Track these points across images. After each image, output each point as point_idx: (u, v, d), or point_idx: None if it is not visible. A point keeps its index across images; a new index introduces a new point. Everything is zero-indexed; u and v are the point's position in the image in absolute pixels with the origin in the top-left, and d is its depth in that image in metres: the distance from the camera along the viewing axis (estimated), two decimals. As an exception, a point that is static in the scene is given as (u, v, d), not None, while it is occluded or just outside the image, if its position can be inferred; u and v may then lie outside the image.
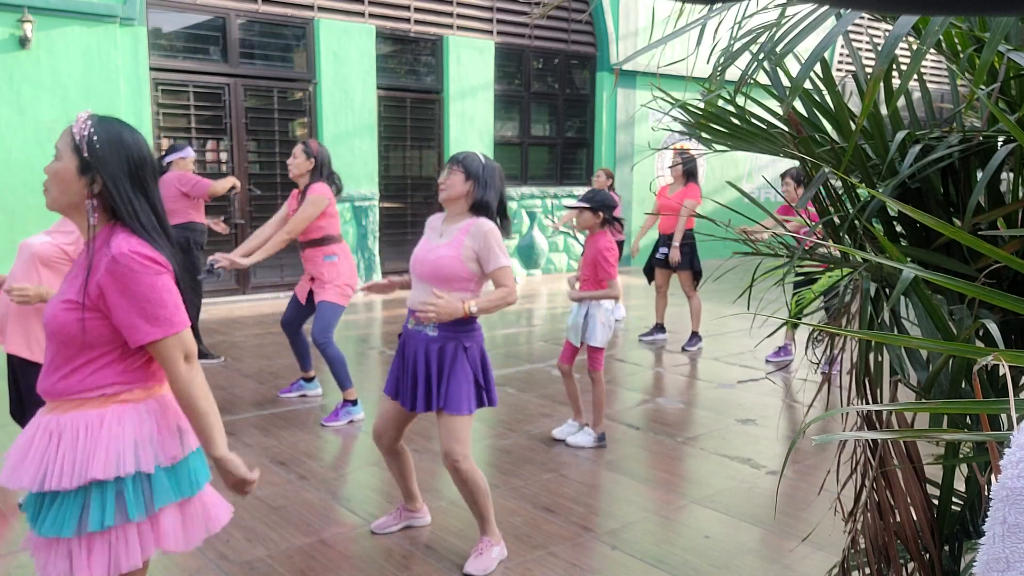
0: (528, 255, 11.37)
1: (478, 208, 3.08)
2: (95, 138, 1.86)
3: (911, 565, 1.81)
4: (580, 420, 4.71)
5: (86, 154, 1.85)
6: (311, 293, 5.00)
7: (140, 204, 1.90)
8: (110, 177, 1.86)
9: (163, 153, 6.42)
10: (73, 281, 1.90)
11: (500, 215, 3.15)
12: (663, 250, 7.05)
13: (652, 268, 7.23)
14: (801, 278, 5.58)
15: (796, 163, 2.00)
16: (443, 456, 3.06)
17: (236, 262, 4.64)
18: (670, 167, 11.65)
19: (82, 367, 1.88)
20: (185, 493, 1.97)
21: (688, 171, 6.95)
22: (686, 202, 6.81)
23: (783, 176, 6.36)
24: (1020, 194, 1.68)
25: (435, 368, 3.08)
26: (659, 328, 7.37)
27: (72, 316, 1.85)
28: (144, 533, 1.90)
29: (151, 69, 8.27)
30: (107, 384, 1.89)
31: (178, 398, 1.92)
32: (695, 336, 7.05)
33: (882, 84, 1.71)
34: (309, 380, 5.50)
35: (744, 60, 2.01)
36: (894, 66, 1.88)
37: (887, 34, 1.56)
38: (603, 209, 4.50)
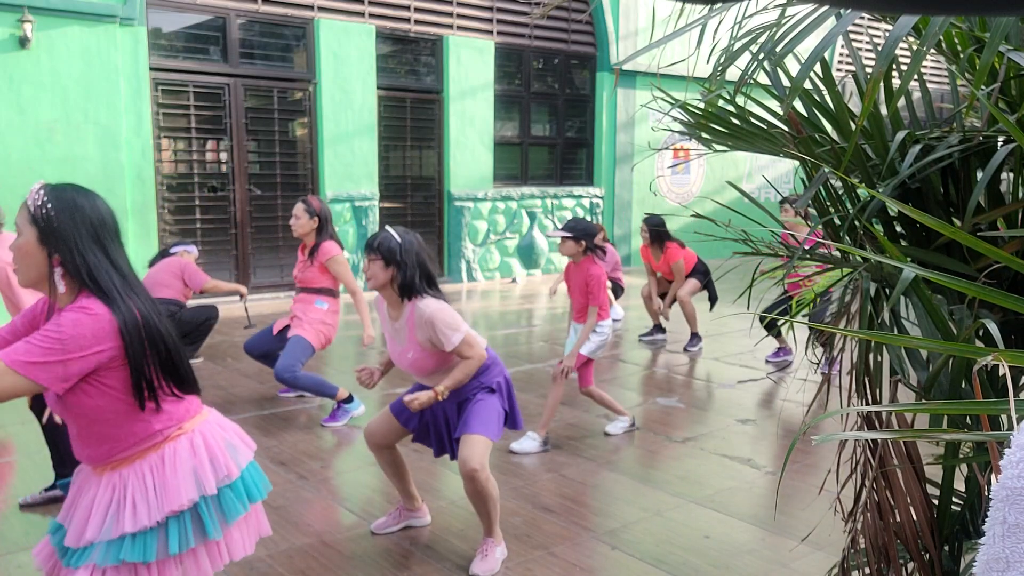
0: (528, 255, 11.37)
1: (404, 290, 3.10)
2: (49, 207, 1.85)
3: (911, 565, 1.81)
4: (625, 415, 4.78)
5: (42, 224, 1.85)
6: (286, 328, 5.08)
7: (103, 268, 1.88)
8: (67, 244, 1.85)
9: (169, 246, 6.62)
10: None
11: (429, 285, 3.13)
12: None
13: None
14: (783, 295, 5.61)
15: (796, 162, 2.00)
16: (461, 463, 3.08)
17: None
18: (669, 167, 11.62)
19: (116, 431, 1.92)
20: (257, 497, 2.10)
21: (657, 235, 6.90)
22: (674, 267, 6.90)
23: (782, 203, 6.38)
24: (1020, 194, 1.69)
25: (463, 412, 3.22)
26: (659, 328, 7.38)
27: (80, 397, 1.86)
28: (212, 549, 2.03)
29: (151, 69, 8.27)
30: (152, 434, 1.96)
31: None
32: (695, 336, 7.05)
33: (882, 84, 1.71)
34: None
35: (744, 60, 2.01)
36: (894, 66, 1.88)
37: (887, 34, 1.56)
38: (585, 237, 4.49)
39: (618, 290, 8.01)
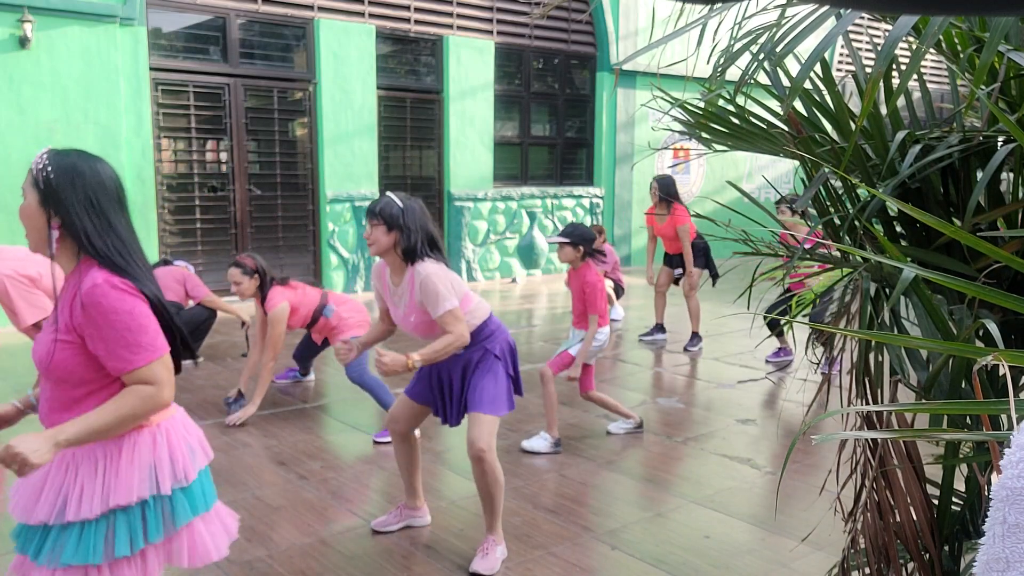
0: (528, 255, 11.37)
1: (408, 255, 3.09)
2: (49, 170, 1.87)
3: (911, 565, 1.81)
4: (632, 417, 4.77)
5: (43, 187, 1.87)
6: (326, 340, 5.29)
7: (101, 232, 1.88)
8: (66, 207, 1.86)
9: (168, 258, 6.74)
10: (59, 316, 1.90)
11: (432, 248, 3.13)
12: (678, 271, 7.16)
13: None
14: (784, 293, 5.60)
15: (796, 162, 2.00)
16: (469, 445, 3.10)
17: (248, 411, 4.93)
18: (669, 167, 11.61)
19: (85, 399, 1.88)
20: (201, 509, 2.01)
21: (665, 195, 6.87)
22: (680, 230, 6.86)
23: (778, 204, 6.37)
24: (1020, 194, 1.68)
25: (469, 378, 3.19)
26: (659, 328, 7.37)
27: (65, 353, 1.85)
28: (161, 552, 1.96)
29: (151, 69, 8.27)
30: None
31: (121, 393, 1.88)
32: (695, 336, 7.05)
33: (882, 84, 1.71)
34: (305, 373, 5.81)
35: (744, 60, 2.01)
36: (894, 66, 1.88)
37: (887, 34, 1.56)
38: (583, 243, 4.48)
39: (619, 290, 8.01)
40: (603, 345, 4.60)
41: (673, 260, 7.17)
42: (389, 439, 4.74)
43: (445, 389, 3.27)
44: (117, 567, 1.88)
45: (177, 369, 1.99)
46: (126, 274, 1.86)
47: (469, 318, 3.15)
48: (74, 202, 1.87)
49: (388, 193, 3.16)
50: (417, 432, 3.54)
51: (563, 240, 4.47)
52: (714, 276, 7.04)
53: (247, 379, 5.10)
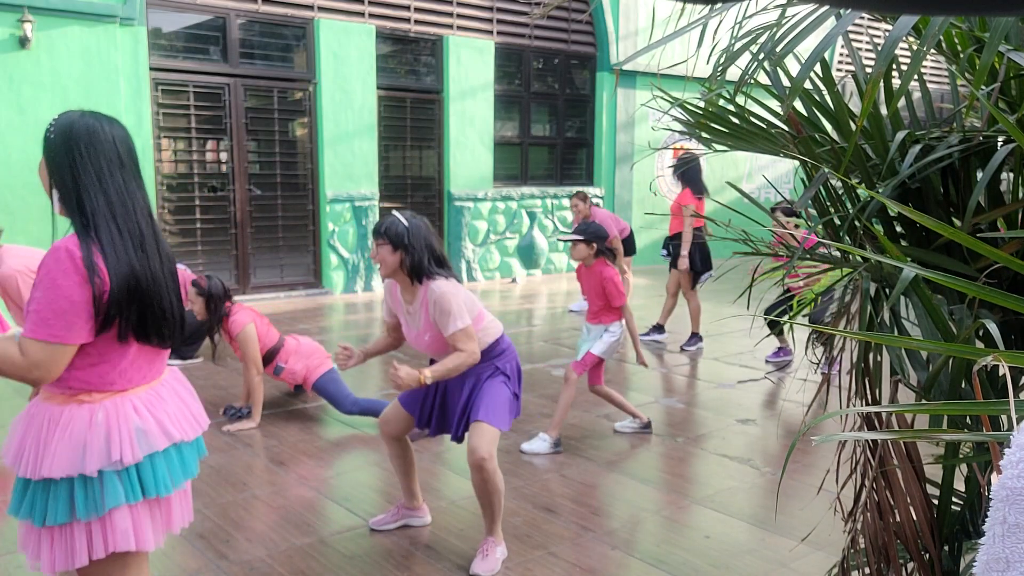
0: (528, 255, 11.37)
1: (415, 272, 3.09)
2: (50, 130, 1.88)
3: (911, 565, 1.81)
4: (639, 417, 4.79)
5: (44, 148, 1.89)
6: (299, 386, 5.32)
7: (90, 193, 1.84)
8: (57, 167, 1.86)
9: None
10: None
11: (439, 265, 3.13)
12: (663, 252, 7.21)
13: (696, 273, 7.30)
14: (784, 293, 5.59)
15: (796, 162, 2.00)
16: (469, 452, 3.09)
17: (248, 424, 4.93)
18: (669, 167, 11.63)
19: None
20: (139, 496, 1.94)
21: (683, 174, 6.94)
22: (685, 208, 6.86)
23: (772, 211, 6.36)
24: (1020, 194, 1.68)
25: (476, 392, 3.20)
26: (658, 328, 7.38)
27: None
28: (95, 532, 1.91)
29: (151, 69, 8.27)
30: (68, 380, 1.89)
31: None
32: (695, 336, 7.05)
33: (882, 84, 1.71)
34: None
35: (744, 60, 2.01)
36: (894, 66, 1.88)
37: (887, 34, 1.56)
38: (596, 240, 4.52)
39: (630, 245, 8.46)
40: (618, 340, 4.61)
41: (666, 240, 7.20)
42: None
43: (450, 403, 3.28)
44: (53, 536, 1.90)
45: (165, 345, 1.96)
46: (89, 245, 1.81)
47: (481, 335, 3.17)
48: (64, 163, 1.86)
49: (394, 212, 3.17)
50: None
51: (576, 238, 4.52)
52: (698, 273, 7.03)
53: (246, 396, 5.05)
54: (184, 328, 2.06)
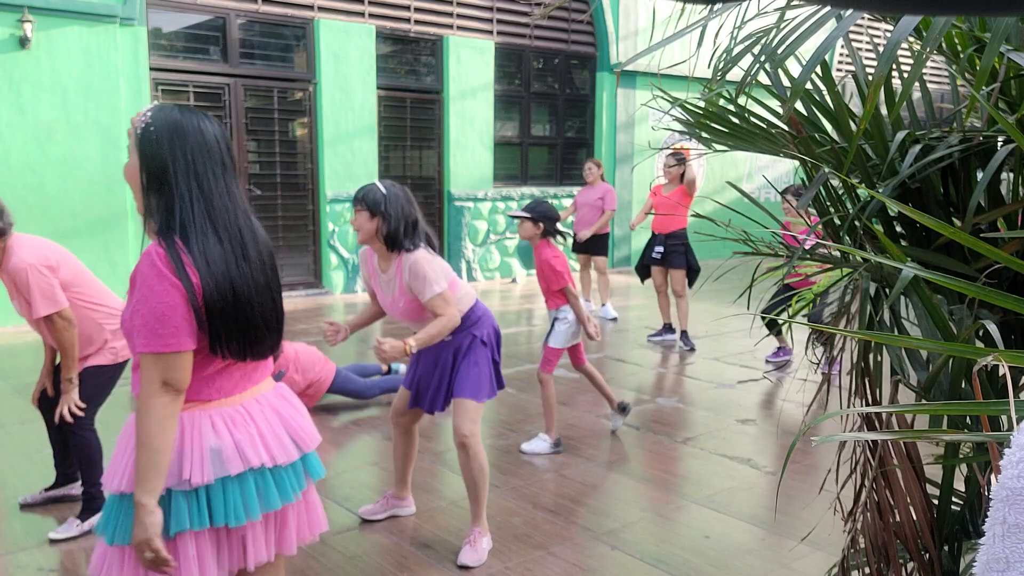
0: (528, 255, 11.36)
1: (390, 241, 3.09)
2: (151, 128, 1.74)
3: (911, 565, 1.81)
4: (612, 402, 4.72)
5: (141, 146, 1.75)
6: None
7: (194, 198, 1.72)
8: (153, 166, 1.73)
9: None
10: None
11: (416, 235, 3.12)
12: (659, 249, 7.14)
13: (645, 267, 7.31)
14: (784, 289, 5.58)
15: (795, 162, 2.00)
16: (454, 432, 3.21)
17: None
18: (666, 166, 11.70)
19: (135, 371, 1.80)
20: (206, 523, 1.78)
21: (684, 172, 7.05)
22: (686, 181, 7.02)
23: (783, 194, 6.37)
24: (1020, 194, 1.69)
25: (458, 365, 3.26)
26: (668, 328, 7.38)
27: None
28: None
29: (151, 69, 8.27)
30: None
31: (135, 419, 1.74)
32: (684, 335, 7.07)
33: (883, 86, 1.71)
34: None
35: (745, 61, 2.01)
36: (894, 66, 1.88)
37: (887, 34, 1.56)
38: (544, 220, 4.33)
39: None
40: (572, 326, 4.45)
41: (657, 239, 7.18)
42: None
43: (433, 376, 3.32)
44: (122, 555, 1.76)
45: (230, 356, 1.79)
46: (186, 252, 1.70)
47: (456, 303, 3.19)
48: (167, 164, 1.72)
49: (375, 181, 3.19)
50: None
51: (523, 215, 4.33)
52: (693, 272, 7.05)
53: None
54: (282, 335, 1.93)
